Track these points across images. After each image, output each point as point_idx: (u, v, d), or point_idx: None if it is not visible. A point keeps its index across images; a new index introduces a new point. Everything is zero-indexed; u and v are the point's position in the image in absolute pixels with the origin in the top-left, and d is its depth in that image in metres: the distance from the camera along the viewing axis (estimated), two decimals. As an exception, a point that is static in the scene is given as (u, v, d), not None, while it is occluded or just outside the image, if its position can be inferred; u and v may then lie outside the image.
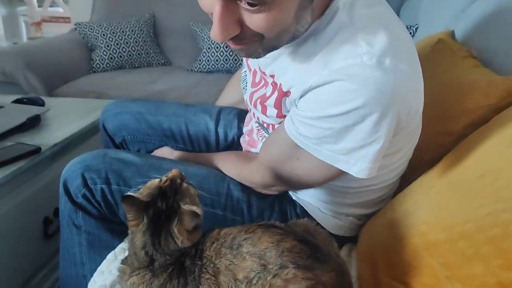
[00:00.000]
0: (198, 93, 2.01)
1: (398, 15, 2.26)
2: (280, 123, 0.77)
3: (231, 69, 2.28)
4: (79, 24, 2.38)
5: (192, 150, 1.09)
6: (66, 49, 2.32)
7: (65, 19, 4.17)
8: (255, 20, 0.57)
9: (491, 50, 0.97)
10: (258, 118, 0.85)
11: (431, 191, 0.66)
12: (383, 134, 0.61)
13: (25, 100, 1.38)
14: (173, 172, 0.64)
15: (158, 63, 2.46)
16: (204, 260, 0.59)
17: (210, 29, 0.60)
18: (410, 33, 1.73)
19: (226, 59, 2.26)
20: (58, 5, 4.23)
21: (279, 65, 0.73)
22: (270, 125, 0.82)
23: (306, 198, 0.85)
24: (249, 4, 0.55)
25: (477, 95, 0.73)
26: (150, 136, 1.09)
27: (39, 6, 4.25)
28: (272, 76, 0.76)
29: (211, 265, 0.59)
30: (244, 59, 0.92)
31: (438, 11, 1.47)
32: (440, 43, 1.06)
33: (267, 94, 0.77)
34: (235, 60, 2.25)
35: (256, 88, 0.82)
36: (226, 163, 0.90)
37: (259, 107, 0.80)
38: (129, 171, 0.83)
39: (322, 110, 0.63)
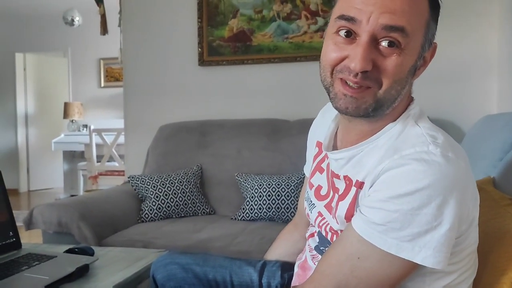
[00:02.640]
0: (241, 242, 2.02)
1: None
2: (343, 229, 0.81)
3: (274, 217, 2.31)
4: (132, 177, 2.55)
5: None
6: (118, 200, 2.46)
7: (120, 172, 4.49)
8: (386, 61, 0.74)
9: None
10: (326, 225, 0.89)
11: None
12: (446, 220, 0.67)
13: (76, 249, 1.43)
14: None
15: (204, 212, 2.53)
16: None
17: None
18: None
19: (269, 207, 2.31)
20: (114, 160, 4.60)
21: (354, 165, 0.83)
22: (334, 235, 0.85)
23: None
24: (388, 44, 0.73)
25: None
26: (196, 286, 1.10)
27: (98, 161, 4.64)
28: (346, 177, 0.83)
29: None
30: (307, 183, 1.04)
31: (476, 160, 1.50)
32: (482, 192, 1.07)
33: (340, 192, 0.85)
34: (278, 208, 2.30)
35: (326, 200, 0.91)
36: None
37: (332, 211, 0.86)
38: None
39: (391, 191, 0.70)
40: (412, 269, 0.72)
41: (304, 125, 1.06)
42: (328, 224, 0.88)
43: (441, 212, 0.67)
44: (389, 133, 0.80)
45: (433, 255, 0.68)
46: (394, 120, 0.81)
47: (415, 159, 0.70)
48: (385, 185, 0.72)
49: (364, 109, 0.77)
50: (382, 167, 0.74)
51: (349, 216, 0.80)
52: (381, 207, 0.71)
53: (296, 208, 2.27)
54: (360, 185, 0.80)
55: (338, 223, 0.84)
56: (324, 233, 0.90)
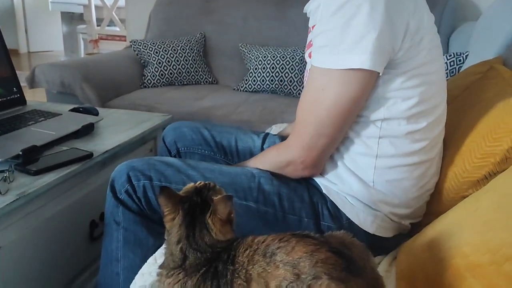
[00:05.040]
0: (243, 112, 2.05)
1: (448, 42, 2.21)
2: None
3: (276, 90, 2.31)
4: (134, 42, 2.49)
5: None
6: (121, 65, 2.43)
7: (121, 38, 4.38)
8: None
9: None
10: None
11: (476, 213, 0.65)
12: (378, 25, 0.73)
13: (81, 109, 1.46)
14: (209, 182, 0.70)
15: (206, 81, 2.53)
16: (237, 266, 0.61)
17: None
18: (460, 60, 1.71)
19: (272, 80, 2.30)
20: (115, 25, 4.46)
21: (317, 15, 0.87)
22: None
23: (334, 180, 0.89)
24: None
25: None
26: (203, 146, 1.19)
27: (97, 25, 4.49)
28: (313, 27, 0.91)
29: (244, 271, 0.60)
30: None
31: (489, 40, 1.45)
32: (492, 70, 1.05)
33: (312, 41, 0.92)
34: (281, 81, 2.28)
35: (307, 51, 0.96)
36: (263, 154, 0.98)
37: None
38: (170, 169, 0.90)
39: (326, 12, 0.77)
40: (366, 81, 0.77)
41: (314, -6, 1.02)
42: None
43: (372, 19, 0.73)
44: None
45: (371, 58, 0.74)
46: None
47: None
48: (322, 10, 0.78)
49: None
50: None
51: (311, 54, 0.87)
52: (322, 30, 0.78)
53: (300, 81, 2.27)
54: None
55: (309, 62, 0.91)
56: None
